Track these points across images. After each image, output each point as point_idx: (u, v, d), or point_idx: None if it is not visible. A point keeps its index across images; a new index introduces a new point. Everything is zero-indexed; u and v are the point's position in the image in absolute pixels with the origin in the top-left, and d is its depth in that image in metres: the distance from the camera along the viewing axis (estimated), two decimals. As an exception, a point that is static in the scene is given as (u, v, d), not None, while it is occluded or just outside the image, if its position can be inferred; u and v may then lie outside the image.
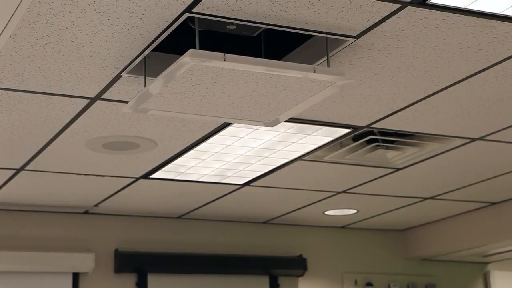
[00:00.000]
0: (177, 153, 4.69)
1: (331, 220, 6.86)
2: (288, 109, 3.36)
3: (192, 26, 2.97)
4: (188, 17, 2.93)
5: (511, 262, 7.74)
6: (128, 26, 3.00)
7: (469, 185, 5.72)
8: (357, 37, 3.16)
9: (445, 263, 7.50)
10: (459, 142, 4.66)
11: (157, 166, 4.95)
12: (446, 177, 5.48)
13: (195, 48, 2.93)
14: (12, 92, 3.63)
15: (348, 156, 4.87)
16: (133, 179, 5.26)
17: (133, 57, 3.29)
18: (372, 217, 6.76)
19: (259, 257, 6.68)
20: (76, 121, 4.07)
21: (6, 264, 5.83)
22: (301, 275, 6.85)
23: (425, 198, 6.13)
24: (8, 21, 2.96)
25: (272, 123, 3.51)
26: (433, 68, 3.53)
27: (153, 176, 5.16)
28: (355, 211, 6.48)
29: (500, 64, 3.50)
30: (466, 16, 3.02)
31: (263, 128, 4.25)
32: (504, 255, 7.35)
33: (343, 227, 7.20)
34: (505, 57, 3.42)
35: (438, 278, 7.43)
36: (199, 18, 2.93)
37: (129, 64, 3.35)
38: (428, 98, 3.91)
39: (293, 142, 4.54)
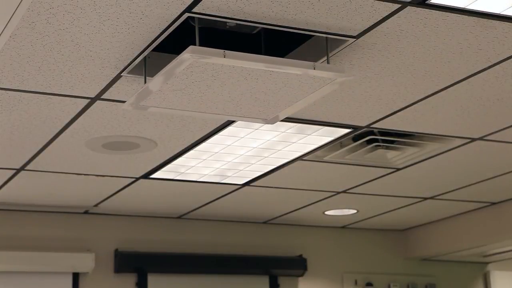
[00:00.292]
0: (177, 153, 4.69)
1: (331, 220, 6.86)
2: (288, 106, 3.36)
3: (192, 23, 2.97)
4: (188, 16, 2.93)
5: (511, 262, 7.74)
6: (128, 26, 3.00)
7: (469, 185, 5.72)
8: (357, 37, 3.16)
9: (445, 263, 7.50)
10: (459, 142, 4.66)
11: (157, 166, 4.95)
12: (446, 177, 5.48)
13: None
14: (12, 92, 3.63)
15: (348, 156, 4.87)
16: (133, 179, 5.26)
17: (133, 57, 3.29)
18: (372, 217, 6.76)
19: (259, 257, 6.68)
20: (76, 121, 4.07)
21: (6, 264, 5.83)
22: (301, 275, 6.85)
23: (425, 198, 6.13)
24: (8, 21, 2.97)
25: (272, 120, 3.51)
26: (433, 68, 3.53)
27: (153, 176, 5.16)
28: (355, 211, 6.48)
29: (500, 64, 3.50)
30: (466, 16, 3.02)
31: (263, 128, 4.25)
32: (504, 255, 7.35)
33: (343, 227, 7.20)
34: (505, 57, 3.42)
35: (438, 278, 7.43)
36: (199, 17, 2.94)
37: (129, 64, 3.35)
38: (428, 98, 3.91)
39: (293, 142, 4.54)
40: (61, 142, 4.38)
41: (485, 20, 3.05)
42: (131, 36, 3.09)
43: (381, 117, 4.18)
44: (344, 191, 5.80)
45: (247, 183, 5.44)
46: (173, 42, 3.15)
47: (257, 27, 3.08)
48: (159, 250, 6.40)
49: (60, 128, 4.16)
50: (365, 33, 3.14)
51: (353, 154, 4.83)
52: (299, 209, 6.34)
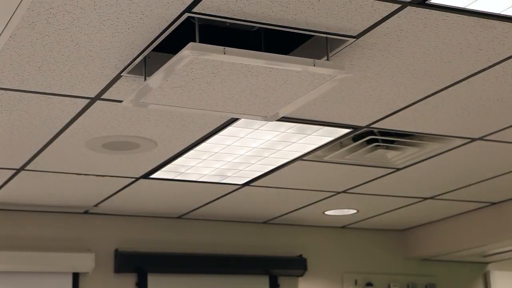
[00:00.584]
0: (177, 153, 4.69)
1: (331, 220, 6.86)
2: (288, 103, 3.36)
3: (192, 21, 2.97)
4: (188, 16, 2.94)
5: (511, 262, 7.74)
6: (128, 26, 3.00)
7: (469, 185, 5.72)
8: (357, 37, 3.16)
9: (445, 263, 7.50)
10: (459, 142, 4.66)
11: (157, 166, 4.95)
12: (446, 177, 5.48)
13: (195, 47, 2.93)
14: (12, 92, 3.63)
15: (348, 156, 4.87)
16: (133, 179, 5.26)
17: (133, 57, 3.29)
18: (372, 217, 6.76)
19: (259, 257, 6.68)
20: (76, 121, 4.07)
21: (6, 264, 5.83)
22: (301, 275, 6.86)
23: (425, 198, 6.13)
24: (8, 21, 2.97)
25: (272, 117, 3.51)
26: (433, 68, 3.53)
27: (153, 176, 5.16)
28: (355, 211, 6.48)
29: (500, 64, 3.50)
30: (466, 16, 3.02)
31: (263, 128, 4.25)
32: (504, 255, 7.35)
33: (343, 227, 7.20)
34: (505, 57, 3.42)
35: (438, 278, 7.43)
36: (199, 17, 2.94)
37: (129, 64, 3.35)
38: (428, 98, 3.91)
39: (293, 142, 4.54)
40: (61, 142, 4.38)
41: (485, 20, 3.05)
42: (131, 36, 3.09)
43: (381, 117, 4.18)
44: (344, 191, 5.80)
45: (247, 183, 5.44)
46: (173, 42, 3.15)
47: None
48: (159, 250, 6.40)
49: (60, 128, 4.16)
50: (365, 33, 3.14)
51: (353, 154, 4.83)
52: (299, 209, 6.34)
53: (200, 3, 2.83)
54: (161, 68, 3.03)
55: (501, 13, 2.98)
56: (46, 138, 4.31)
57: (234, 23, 3.03)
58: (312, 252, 7.02)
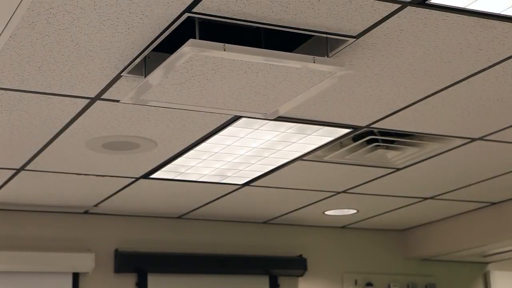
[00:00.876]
0: (177, 153, 4.69)
1: (331, 220, 6.86)
2: (288, 100, 3.36)
3: (192, 18, 2.97)
4: (188, 16, 2.93)
5: (511, 262, 7.74)
6: (128, 26, 3.00)
7: (469, 185, 5.72)
8: (357, 37, 3.16)
9: (445, 263, 7.50)
10: (459, 142, 4.66)
11: (157, 166, 4.95)
12: (446, 177, 5.48)
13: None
14: (12, 92, 3.63)
15: (348, 156, 4.87)
16: (133, 179, 5.26)
17: (133, 57, 3.29)
18: (372, 217, 6.76)
19: (259, 257, 6.68)
20: (76, 121, 4.07)
21: (6, 264, 5.83)
22: (301, 275, 6.86)
23: (425, 198, 6.13)
24: (8, 21, 2.97)
25: (272, 114, 3.51)
26: (433, 68, 3.53)
27: (153, 176, 5.16)
28: (355, 211, 6.48)
29: (500, 64, 3.50)
30: (466, 16, 3.02)
31: (263, 128, 4.25)
32: (504, 255, 7.35)
33: (343, 227, 7.20)
34: (505, 57, 3.42)
35: (438, 278, 7.43)
36: (199, 17, 2.94)
37: (129, 64, 3.35)
38: (428, 98, 3.91)
39: (293, 142, 4.54)
40: (61, 142, 4.38)
41: (485, 20, 3.05)
42: (131, 36, 3.09)
43: (381, 117, 4.18)
44: (344, 191, 5.80)
45: (247, 183, 5.44)
46: (173, 42, 3.15)
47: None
48: (159, 250, 6.40)
49: (60, 128, 4.16)
50: (365, 33, 3.14)
51: (353, 154, 4.83)
52: (299, 209, 6.34)
53: (200, 3, 2.83)
54: (161, 65, 3.03)
55: (501, 13, 2.98)
56: (46, 138, 4.31)
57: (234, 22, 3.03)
58: (312, 252, 7.02)
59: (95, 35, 3.07)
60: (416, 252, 7.28)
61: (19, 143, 4.38)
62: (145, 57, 3.27)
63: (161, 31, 3.04)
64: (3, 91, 3.62)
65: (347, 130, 4.38)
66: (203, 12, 2.90)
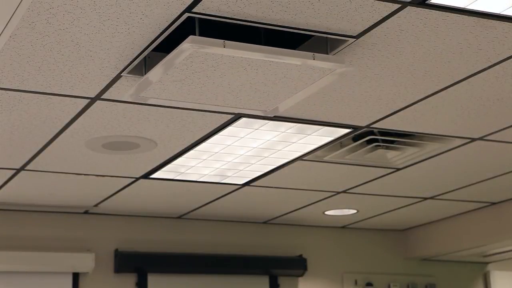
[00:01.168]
0: (177, 153, 4.69)
1: (331, 220, 6.86)
2: (288, 98, 3.36)
3: (192, 16, 2.97)
4: (188, 16, 2.94)
5: (511, 262, 7.74)
6: (128, 26, 3.00)
7: (469, 185, 5.72)
8: (357, 37, 3.16)
9: (445, 263, 7.50)
10: (459, 142, 4.66)
11: (157, 166, 4.95)
12: (446, 177, 5.48)
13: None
14: (12, 92, 3.63)
15: (348, 156, 4.87)
16: (133, 179, 5.26)
17: (133, 57, 3.29)
18: (372, 217, 6.76)
19: (259, 257, 6.68)
20: (76, 121, 4.07)
21: (6, 264, 5.83)
22: (301, 275, 6.86)
23: (425, 198, 6.13)
24: (8, 21, 2.97)
25: (272, 112, 3.51)
26: (433, 68, 3.53)
27: (153, 176, 5.16)
28: (355, 211, 6.48)
29: (500, 64, 3.50)
30: (466, 16, 3.02)
31: (263, 128, 4.25)
32: (504, 255, 7.35)
33: (343, 227, 7.20)
34: (505, 57, 3.43)
35: (438, 278, 7.43)
36: (199, 17, 2.94)
37: (129, 64, 3.35)
38: (428, 98, 3.91)
39: (293, 142, 4.54)
40: (61, 142, 4.38)
41: (485, 20, 3.05)
42: (131, 36, 3.09)
43: (381, 117, 4.18)
44: (344, 191, 5.80)
45: (247, 183, 5.44)
46: (173, 43, 3.15)
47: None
48: (159, 250, 6.40)
49: (60, 128, 4.16)
50: (365, 33, 3.14)
51: (353, 154, 4.83)
52: (299, 209, 6.34)
53: (200, 3, 2.83)
54: (161, 62, 3.03)
55: (501, 13, 2.98)
56: (46, 138, 4.31)
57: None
58: (312, 252, 7.02)
59: (95, 35, 3.07)
60: (416, 252, 7.28)
61: (19, 143, 4.38)
62: (145, 57, 3.27)
63: (161, 31, 3.04)
64: (3, 91, 3.62)
65: (347, 130, 4.38)
66: (203, 12, 2.90)
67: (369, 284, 7.11)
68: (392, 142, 4.65)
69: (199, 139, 4.43)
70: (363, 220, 6.88)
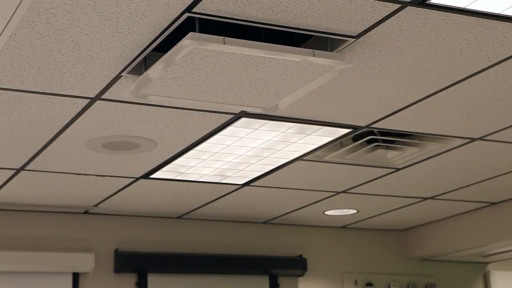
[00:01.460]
0: (177, 153, 4.69)
1: (331, 220, 6.86)
2: (288, 95, 3.36)
3: (192, 16, 2.97)
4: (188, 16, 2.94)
5: (511, 262, 7.74)
6: (128, 26, 3.00)
7: (469, 185, 5.72)
8: (357, 37, 3.16)
9: (445, 263, 7.50)
10: (459, 142, 4.66)
11: (157, 166, 4.95)
12: (446, 177, 5.48)
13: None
14: (12, 92, 3.63)
15: (348, 156, 4.87)
16: (133, 179, 5.26)
17: (133, 57, 3.29)
18: (372, 217, 6.76)
19: (259, 257, 6.68)
20: (76, 121, 4.07)
21: (6, 264, 5.83)
22: (301, 275, 6.85)
23: (425, 198, 6.13)
24: (8, 21, 2.97)
25: (272, 109, 3.51)
26: (433, 68, 3.53)
27: (153, 176, 5.16)
28: (355, 211, 6.48)
29: (500, 64, 3.50)
30: (466, 16, 3.02)
31: (263, 128, 4.25)
32: (504, 255, 7.35)
33: (343, 227, 7.20)
34: (505, 57, 3.43)
35: (438, 278, 7.43)
36: (199, 17, 2.94)
37: (129, 64, 3.35)
38: (428, 98, 3.91)
39: (293, 142, 4.54)
40: (61, 142, 4.38)
41: (485, 20, 3.05)
42: (131, 36, 3.09)
43: (381, 117, 4.18)
44: (344, 191, 5.80)
45: (247, 183, 5.44)
46: (173, 43, 3.15)
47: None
48: (159, 250, 6.40)
49: (60, 128, 4.16)
50: (365, 33, 3.14)
51: (353, 154, 4.83)
52: (299, 209, 6.34)
53: (200, 3, 2.83)
54: (161, 59, 3.03)
55: (501, 13, 2.98)
56: (46, 138, 4.31)
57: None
58: (312, 252, 7.02)
59: (95, 35, 3.07)
60: (416, 252, 7.28)
61: (19, 143, 4.38)
62: (145, 57, 3.27)
63: (161, 31, 3.04)
64: (3, 91, 3.62)
65: (347, 130, 4.37)
66: (203, 12, 2.90)
67: (369, 284, 7.11)
68: (392, 142, 4.65)
69: (199, 139, 4.43)
70: (363, 220, 6.88)
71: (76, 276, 6.11)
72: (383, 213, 6.61)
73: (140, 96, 3.32)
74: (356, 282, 7.10)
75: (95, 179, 5.19)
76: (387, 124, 4.30)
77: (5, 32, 3.04)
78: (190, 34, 2.87)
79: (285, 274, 6.78)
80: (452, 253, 7.05)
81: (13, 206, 5.91)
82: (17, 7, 2.85)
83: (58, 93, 3.67)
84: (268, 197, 5.88)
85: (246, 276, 6.64)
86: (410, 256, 7.34)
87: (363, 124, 4.30)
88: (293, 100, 3.42)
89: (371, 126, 4.33)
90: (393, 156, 4.91)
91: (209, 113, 4.01)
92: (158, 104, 3.84)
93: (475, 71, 3.58)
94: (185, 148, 4.59)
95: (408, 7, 2.94)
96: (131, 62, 3.33)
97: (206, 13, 2.90)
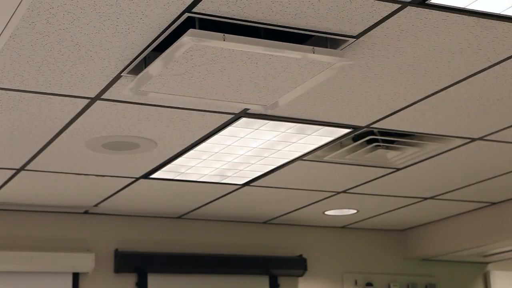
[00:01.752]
0: (177, 153, 4.69)
1: (331, 220, 6.86)
2: (288, 92, 3.36)
3: (192, 16, 2.97)
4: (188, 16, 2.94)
5: (511, 262, 7.74)
6: (128, 26, 3.00)
7: (469, 185, 5.72)
8: (357, 37, 3.16)
9: (445, 263, 7.50)
10: (459, 142, 4.66)
11: (157, 166, 4.95)
12: (446, 177, 5.48)
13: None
14: (12, 92, 3.63)
15: (348, 156, 4.87)
16: (133, 179, 5.26)
17: (133, 57, 3.29)
18: (372, 217, 6.76)
19: (259, 257, 6.68)
20: (76, 121, 4.07)
21: (6, 264, 5.83)
22: (301, 275, 6.85)
23: (425, 198, 6.13)
24: (8, 21, 2.97)
25: (272, 106, 3.51)
26: (433, 68, 3.53)
27: (153, 176, 5.16)
28: (355, 211, 6.48)
29: (500, 64, 3.50)
30: (466, 16, 3.02)
31: (263, 128, 4.25)
32: (504, 255, 7.35)
33: (343, 227, 7.20)
34: (505, 57, 3.43)
35: (438, 278, 7.43)
36: (199, 17, 2.94)
37: (129, 64, 3.35)
38: (428, 98, 3.91)
39: (293, 142, 4.54)
40: (61, 142, 4.38)
41: (485, 20, 3.05)
42: (131, 36, 3.09)
43: (381, 117, 4.18)
44: (344, 191, 5.80)
45: (247, 183, 5.44)
46: (173, 43, 3.15)
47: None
48: (159, 250, 6.40)
49: (60, 128, 4.16)
50: (365, 33, 3.14)
51: (353, 154, 4.83)
52: (299, 209, 6.34)
53: (200, 3, 2.83)
54: (161, 55, 3.03)
55: (501, 13, 2.98)
56: (46, 138, 4.31)
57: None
58: (312, 252, 7.02)
59: (95, 35, 3.07)
60: (416, 252, 7.28)
61: (19, 143, 4.38)
62: (145, 57, 3.27)
63: (161, 31, 3.04)
64: (3, 91, 3.62)
65: (347, 130, 4.37)
66: (203, 12, 2.90)
67: (369, 284, 7.11)
68: (392, 142, 4.65)
69: (199, 139, 4.43)
70: (363, 220, 6.88)
71: (76, 276, 6.11)
72: (383, 213, 6.61)
73: (140, 93, 3.32)
74: (356, 282, 7.10)
75: (95, 179, 5.19)
76: (387, 124, 4.30)
77: (5, 32, 3.04)
78: (190, 30, 2.87)
79: (285, 274, 6.78)
80: (452, 253, 7.05)
81: (13, 206, 5.91)
82: (17, 7, 2.85)
83: (58, 93, 3.67)
84: (268, 197, 5.88)
85: (246, 276, 6.64)
86: (410, 256, 7.34)
87: (363, 124, 4.30)
88: (293, 97, 3.42)
89: (371, 126, 4.33)
90: (393, 156, 4.91)
91: (209, 113, 4.01)
92: (158, 102, 3.84)
93: (475, 71, 3.58)
94: (185, 148, 4.59)
95: (408, 7, 2.94)
96: (131, 62, 3.33)
97: (206, 13, 2.90)
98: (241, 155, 4.74)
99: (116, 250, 6.26)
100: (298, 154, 4.78)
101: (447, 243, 6.94)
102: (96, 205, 5.99)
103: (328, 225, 7.08)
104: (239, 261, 6.58)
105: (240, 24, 3.01)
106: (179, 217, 6.57)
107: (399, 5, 2.93)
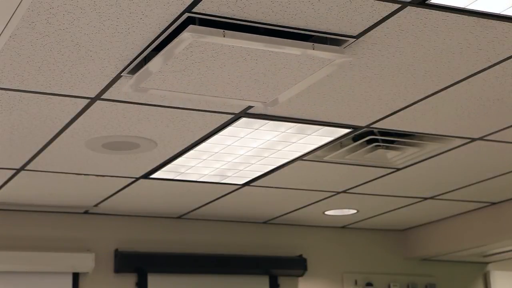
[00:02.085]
0: (177, 153, 4.69)
1: (331, 220, 6.86)
2: (288, 88, 3.36)
3: (192, 17, 2.97)
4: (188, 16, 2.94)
5: (511, 262, 7.74)
6: (128, 26, 3.00)
7: (469, 185, 5.72)
8: (357, 37, 3.16)
9: (445, 263, 7.50)
10: (459, 142, 4.66)
11: (157, 166, 4.95)
12: (446, 177, 5.48)
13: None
14: (12, 92, 3.63)
15: (348, 156, 4.87)
16: (133, 179, 5.26)
17: (133, 57, 3.29)
18: (372, 217, 6.76)
19: (259, 257, 6.68)
20: (76, 121, 4.07)
21: (6, 264, 5.83)
22: (301, 275, 6.85)
23: (425, 198, 6.13)
24: (8, 21, 2.96)
25: (272, 103, 3.51)
26: (433, 68, 3.53)
27: (153, 176, 5.16)
28: (355, 211, 6.48)
29: (500, 64, 3.50)
30: (466, 16, 3.02)
31: (263, 128, 4.26)
32: (504, 255, 7.35)
33: (343, 227, 7.20)
34: (505, 57, 3.43)
35: (438, 278, 7.43)
36: (199, 17, 2.94)
37: (129, 64, 3.35)
38: (428, 98, 3.91)
39: (293, 142, 4.54)
40: (61, 142, 4.38)
41: (485, 20, 3.05)
42: (131, 36, 3.09)
43: (381, 117, 4.18)
44: (344, 191, 5.80)
45: (247, 183, 5.44)
46: (173, 42, 3.15)
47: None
48: (159, 250, 6.40)
49: (60, 128, 4.16)
50: (365, 33, 3.14)
51: (353, 154, 4.83)
52: (299, 209, 6.34)
53: (200, 3, 2.83)
54: (160, 52, 3.03)
55: (501, 13, 2.98)
56: (46, 138, 4.31)
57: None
58: (312, 252, 7.02)
59: (95, 35, 3.07)
60: (416, 252, 7.28)
61: (19, 143, 4.38)
62: (145, 57, 3.27)
63: (161, 31, 3.04)
64: (3, 91, 3.62)
65: (347, 130, 4.38)
66: (203, 12, 2.90)
67: (369, 284, 7.11)
68: (392, 142, 4.65)
69: (199, 139, 4.43)
70: (363, 220, 6.88)
71: (76, 276, 6.11)
72: (383, 213, 6.61)
73: (140, 90, 3.32)
74: (356, 282, 7.10)
75: (95, 179, 5.19)
76: (387, 124, 4.30)
77: (5, 32, 3.04)
78: (190, 27, 2.87)
79: (285, 274, 6.78)
80: (452, 253, 7.05)
81: (13, 206, 5.91)
82: (17, 7, 2.85)
83: (58, 93, 3.67)
84: (268, 197, 5.88)
85: (246, 276, 6.64)
86: (410, 256, 7.34)
87: (363, 124, 4.30)
88: (293, 94, 3.42)
89: (371, 126, 4.33)
90: (393, 156, 4.91)
91: (209, 113, 4.01)
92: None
93: (475, 71, 3.58)
94: (185, 148, 4.59)
95: (408, 7, 2.94)
96: (131, 62, 3.33)
97: (206, 13, 2.90)
98: (241, 155, 4.74)
99: (116, 250, 6.26)
100: (298, 154, 4.78)
101: (447, 243, 6.94)
102: (96, 205, 5.99)
103: (328, 225, 7.08)
104: (239, 261, 6.58)
105: (240, 24, 3.02)
106: (179, 217, 6.57)
107: (399, 5, 2.93)
